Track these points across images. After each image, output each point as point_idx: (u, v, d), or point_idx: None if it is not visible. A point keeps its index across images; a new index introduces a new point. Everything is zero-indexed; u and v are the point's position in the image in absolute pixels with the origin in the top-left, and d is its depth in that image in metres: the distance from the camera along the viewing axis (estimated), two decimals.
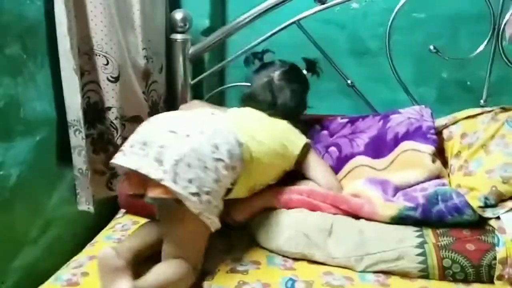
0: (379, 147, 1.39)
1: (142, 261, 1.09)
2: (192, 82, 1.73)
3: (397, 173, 1.31)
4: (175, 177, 1.00)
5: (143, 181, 1.04)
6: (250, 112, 1.39)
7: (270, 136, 1.27)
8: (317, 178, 1.33)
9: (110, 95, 1.37)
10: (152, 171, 1.00)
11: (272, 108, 1.40)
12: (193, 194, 1.00)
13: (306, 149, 1.34)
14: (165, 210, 1.11)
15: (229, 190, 1.12)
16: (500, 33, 1.47)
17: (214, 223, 1.05)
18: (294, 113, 1.45)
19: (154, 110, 1.58)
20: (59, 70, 1.21)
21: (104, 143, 1.42)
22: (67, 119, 1.27)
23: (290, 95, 1.43)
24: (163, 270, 1.04)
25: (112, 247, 1.03)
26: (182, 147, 1.03)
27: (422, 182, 1.27)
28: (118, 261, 1.00)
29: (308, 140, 1.36)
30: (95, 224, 1.40)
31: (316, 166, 1.35)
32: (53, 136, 1.26)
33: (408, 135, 1.38)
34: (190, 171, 1.01)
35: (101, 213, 1.39)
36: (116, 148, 1.42)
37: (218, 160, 1.05)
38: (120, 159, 1.09)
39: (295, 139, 1.34)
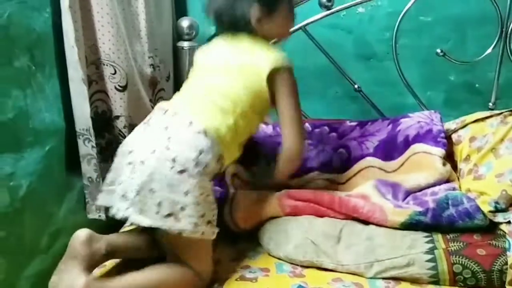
0: (389, 150, 1.38)
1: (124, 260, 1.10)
2: None
3: (408, 175, 1.31)
4: (143, 206, 1.01)
5: None
6: (216, 56, 1.22)
7: (239, 78, 1.13)
8: (280, 122, 1.19)
9: (118, 104, 1.39)
10: (121, 209, 1.03)
11: (220, 24, 1.21)
12: (167, 216, 1.00)
13: (276, 78, 1.13)
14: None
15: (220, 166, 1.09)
16: (508, 35, 1.46)
17: (207, 233, 1.04)
18: (241, 22, 1.17)
19: None
20: (67, 80, 1.23)
21: (113, 152, 1.42)
22: (75, 128, 1.29)
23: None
24: (157, 270, 1.04)
25: (90, 232, 1.03)
26: (140, 176, 1.02)
27: (433, 185, 1.26)
28: (83, 249, 0.99)
29: (277, 64, 1.13)
30: (104, 232, 1.40)
31: (278, 101, 1.16)
32: (62, 146, 1.27)
33: (418, 138, 1.38)
34: (155, 195, 1.00)
35: (109, 221, 1.40)
36: None
37: (181, 172, 1.01)
38: (100, 199, 1.14)
39: (260, 66, 1.13)
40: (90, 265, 1.02)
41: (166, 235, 1.04)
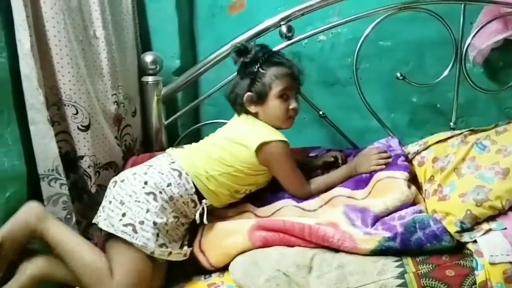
0: (356, 180, 1.40)
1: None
2: (166, 122, 1.73)
3: (375, 199, 1.31)
4: (109, 213, 1.19)
5: None
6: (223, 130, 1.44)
7: (230, 149, 1.32)
8: (282, 186, 1.38)
9: (82, 143, 1.37)
10: (96, 218, 1.23)
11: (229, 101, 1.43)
12: (126, 225, 1.16)
13: (263, 153, 1.31)
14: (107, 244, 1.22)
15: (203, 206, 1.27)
16: (463, 56, 1.51)
17: (157, 253, 1.17)
18: (238, 104, 1.39)
19: (128, 154, 1.58)
20: (26, 124, 1.21)
21: (78, 192, 1.41)
22: (38, 171, 1.26)
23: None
24: (89, 248, 1.20)
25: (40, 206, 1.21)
26: (117, 190, 1.23)
27: (400, 207, 1.27)
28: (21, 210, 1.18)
29: (262, 141, 1.31)
30: None
31: (278, 173, 1.36)
32: (23, 190, 1.24)
33: None
34: (123, 207, 1.19)
35: None
36: (91, 196, 1.42)
37: (149, 194, 1.21)
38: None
39: (249, 142, 1.31)
40: None
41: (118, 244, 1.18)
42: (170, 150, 1.38)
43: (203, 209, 1.27)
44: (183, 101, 1.84)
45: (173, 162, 1.29)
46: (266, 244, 1.22)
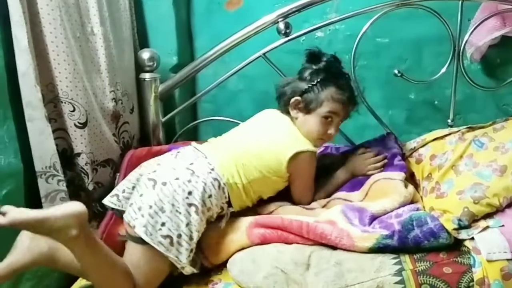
0: (352, 184, 1.40)
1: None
2: (163, 120, 1.73)
3: (373, 202, 1.31)
4: (149, 220, 1.12)
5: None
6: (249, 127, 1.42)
7: (259, 154, 1.30)
8: (292, 191, 1.37)
9: (79, 141, 1.36)
10: (131, 219, 1.14)
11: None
12: (164, 236, 1.12)
13: (294, 160, 1.30)
14: (133, 244, 1.17)
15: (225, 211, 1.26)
16: (461, 53, 1.51)
17: (187, 268, 1.14)
18: (283, 100, 1.40)
19: (126, 151, 1.57)
20: (23, 121, 1.20)
21: (75, 189, 1.40)
22: (35, 168, 1.26)
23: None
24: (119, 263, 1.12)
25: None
26: (158, 194, 1.15)
27: (398, 208, 1.27)
28: (24, 239, 1.08)
29: (298, 150, 1.30)
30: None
31: (298, 181, 1.35)
32: (20, 188, 1.24)
33: None
34: (163, 215, 1.13)
35: None
36: (88, 193, 1.41)
37: (191, 205, 1.16)
38: (115, 203, 1.28)
39: (284, 150, 1.31)
40: None
41: (140, 251, 1.14)
42: (206, 150, 1.31)
43: (226, 215, 1.27)
44: (181, 98, 1.84)
45: (212, 170, 1.24)
46: (264, 241, 1.22)
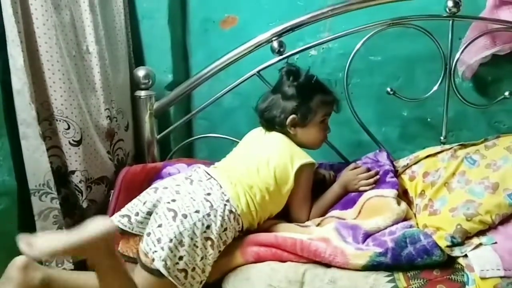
0: (345, 201, 1.41)
1: None
2: (158, 137, 1.73)
3: (367, 220, 1.32)
4: (168, 254, 1.11)
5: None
6: (249, 149, 1.44)
7: (269, 175, 1.33)
8: (290, 204, 1.38)
9: (73, 158, 1.37)
10: (150, 251, 1.13)
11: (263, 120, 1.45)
12: (181, 270, 1.13)
13: (299, 172, 1.35)
14: (145, 273, 1.15)
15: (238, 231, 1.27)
16: (452, 71, 1.53)
17: None
18: (275, 122, 1.41)
19: (120, 168, 1.57)
20: (17, 139, 1.21)
21: (69, 207, 1.40)
22: (28, 186, 1.26)
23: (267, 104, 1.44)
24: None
25: (27, 260, 1.05)
26: (179, 226, 1.14)
27: (391, 225, 1.27)
28: (18, 275, 1.03)
29: (303, 162, 1.35)
30: None
31: (297, 194, 1.37)
32: (14, 206, 1.23)
33: None
34: (182, 249, 1.13)
35: None
36: (82, 211, 1.41)
37: (208, 239, 1.17)
38: (125, 224, 1.21)
39: (290, 164, 1.34)
40: None
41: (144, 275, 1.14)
42: (219, 178, 1.30)
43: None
44: (176, 115, 1.84)
45: (227, 201, 1.24)
46: (258, 259, 1.22)
